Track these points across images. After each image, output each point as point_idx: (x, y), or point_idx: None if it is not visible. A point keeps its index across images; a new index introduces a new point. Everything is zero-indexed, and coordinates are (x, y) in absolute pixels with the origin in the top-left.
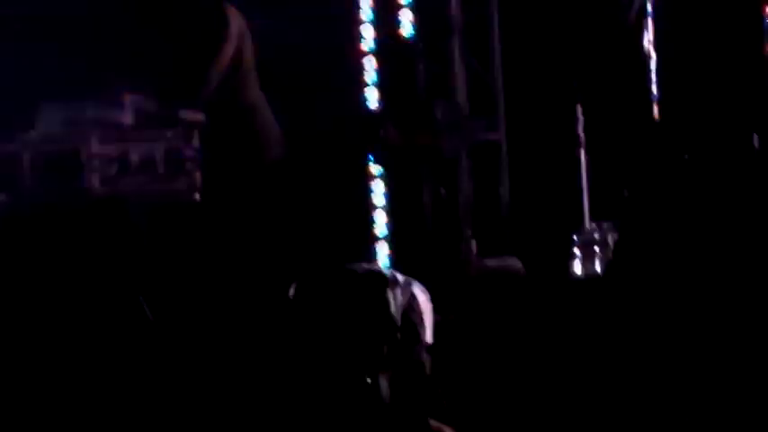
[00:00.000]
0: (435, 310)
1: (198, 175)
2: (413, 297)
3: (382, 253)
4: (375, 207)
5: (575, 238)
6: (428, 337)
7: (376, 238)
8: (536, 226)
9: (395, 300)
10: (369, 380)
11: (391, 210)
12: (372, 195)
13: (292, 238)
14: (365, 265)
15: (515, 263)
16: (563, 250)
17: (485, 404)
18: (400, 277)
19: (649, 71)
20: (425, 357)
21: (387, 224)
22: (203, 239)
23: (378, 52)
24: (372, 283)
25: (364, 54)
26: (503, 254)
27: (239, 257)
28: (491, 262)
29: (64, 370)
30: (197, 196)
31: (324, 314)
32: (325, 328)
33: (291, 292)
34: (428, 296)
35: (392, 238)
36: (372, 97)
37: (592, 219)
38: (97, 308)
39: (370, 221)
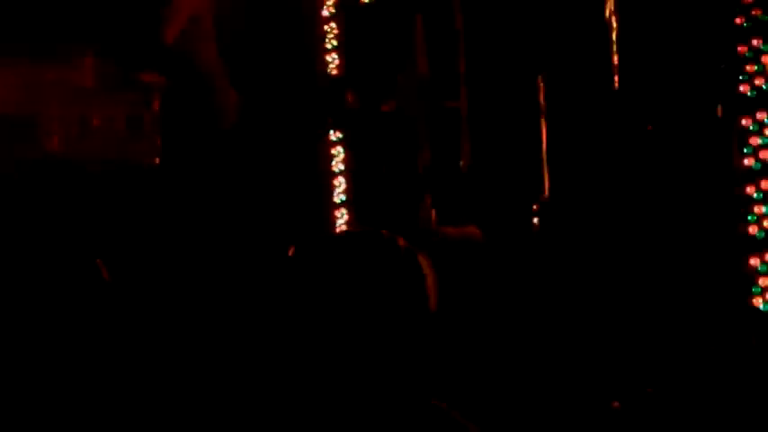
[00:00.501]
0: None
1: (158, 139)
2: (416, 264)
3: (341, 219)
4: (335, 173)
5: (534, 206)
6: (433, 304)
7: (336, 204)
8: (496, 194)
9: (394, 266)
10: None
11: (351, 176)
12: (332, 161)
13: (250, 203)
14: (371, 231)
15: (474, 230)
16: (523, 218)
17: (451, 374)
18: (402, 243)
19: (611, 41)
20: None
21: (346, 191)
22: (161, 202)
23: (339, 18)
24: (372, 247)
25: (326, 19)
26: (462, 222)
27: (195, 222)
28: (450, 230)
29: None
30: (157, 160)
31: (321, 277)
32: (322, 292)
33: (293, 260)
34: (430, 263)
35: (351, 205)
36: (334, 63)
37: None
38: (54, 272)
39: (331, 187)
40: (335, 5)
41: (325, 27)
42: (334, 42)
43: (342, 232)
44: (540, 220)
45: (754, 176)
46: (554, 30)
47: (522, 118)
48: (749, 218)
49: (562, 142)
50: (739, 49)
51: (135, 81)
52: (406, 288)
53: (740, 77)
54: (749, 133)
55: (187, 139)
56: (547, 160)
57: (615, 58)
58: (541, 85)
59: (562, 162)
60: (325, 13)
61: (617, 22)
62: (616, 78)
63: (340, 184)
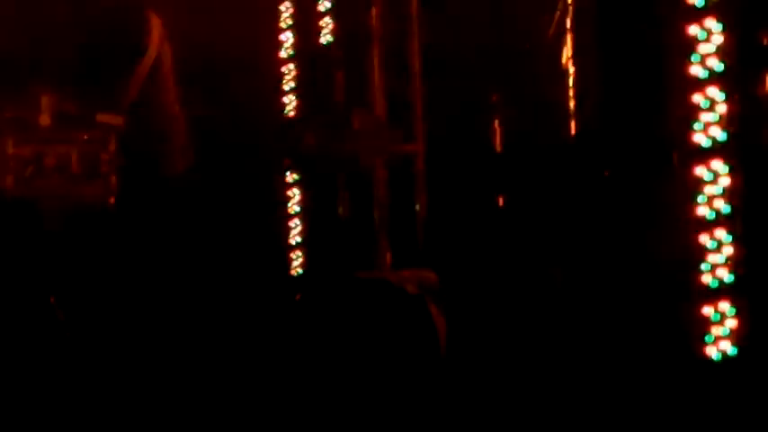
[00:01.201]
0: None
1: (114, 180)
2: (426, 311)
3: (297, 261)
4: (291, 215)
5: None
6: (442, 349)
7: (291, 246)
8: (452, 238)
9: (406, 313)
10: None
11: (307, 218)
12: (289, 203)
13: (207, 245)
14: (381, 278)
15: (430, 274)
16: (479, 263)
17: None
18: (411, 289)
19: (567, 86)
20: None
21: (302, 232)
22: (117, 244)
23: (297, 59)
24: (383, 295)
25: (284, 61)
26: (418, 265)
27: (152, 264)
28: (406, 273)
29: None
30: (112, 200)
31: (333, 325)
32: (333, 340)
33: (301, 305)
34: (440, 310)
35: (307, 247)
36: (291, 104)
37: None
38: (8, 309)
39: (286, 229)
40: (293, 47)
41: (283, 69)
42: (292, 84)
43: (347, 280)
44: (497, 262)
45: (707, 225)
46: (512, 74)
47: (478, 161)
48: (703, 267)
49: (519, 186)
50: (694, 97)
51: (92, 121)
52: (419, 337)
53: (695, 126)
54: (703, 182)
55: (143, 180)
56: (504, 202)
57: (572, 104)
58: (498, 128)
59: (519, 205)
60: (282, 54)
61: (574, 67)
62: (572, 124)
63: (296, 225)
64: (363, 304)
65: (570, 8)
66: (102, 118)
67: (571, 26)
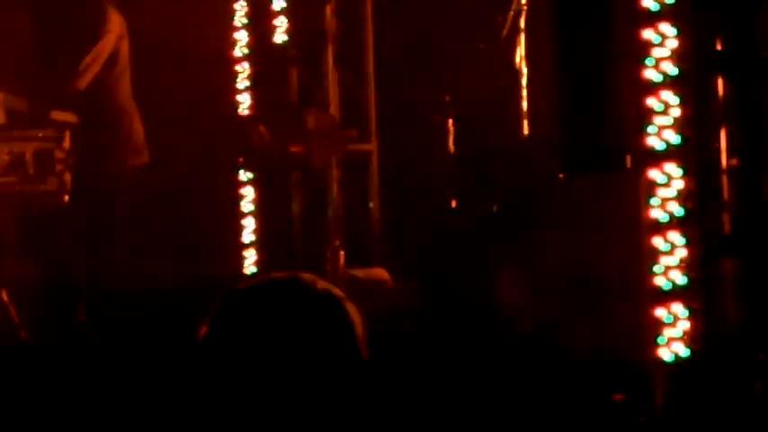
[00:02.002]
0: None
1: (68, 177)
2: (344, 312)
3: (250, 260)
4: (244, 213)
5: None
6: (363, 351)
7: (244, 245)
8: (405, 237)
9: (323, 315)
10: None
11: (260, 216)
12: (242, 201)
13: (160, 241)
14: (297, 279)
15: (382, 272)
16: (431, 261)
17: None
18: (336, 291)
19: (520, 86)
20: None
21: (255, 231)
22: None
23: (251, 58)
24: (300, 297)
25: (238, 59)
26: (371, 264)
27: (103, 259)
28: (358, 272)
29: None
30: (66, 198)
31: (250, 329)
32: (251, 344)
33: (218, 309)
34: (359, 311)
35: (260, 245)
36: (245, 103)
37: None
38: None
39: (240, 227)
40: (247, 45)
41: (237, 67)
42: (246, 82)
43: (259, 280)
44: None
45: (660, 228)
46: (465, 74)
47: (431, 160)
48: (656, 269)
49: (472, 185)
50: (648, 101)
51: (46, 119)
52: (332, 338)
53: (649, 129)
54: (657, 185)
55: (97, 176)
56: (457, 202)
57: (525, 104)
58: (452, 128)
59: (472, 204)
60: (237, 53)
61: (527, 68)
62: (525, 124)
63: (249, 224)
64: (270, 305)
65: (524, 9)
66: (56, 115)
67: (525, 27)
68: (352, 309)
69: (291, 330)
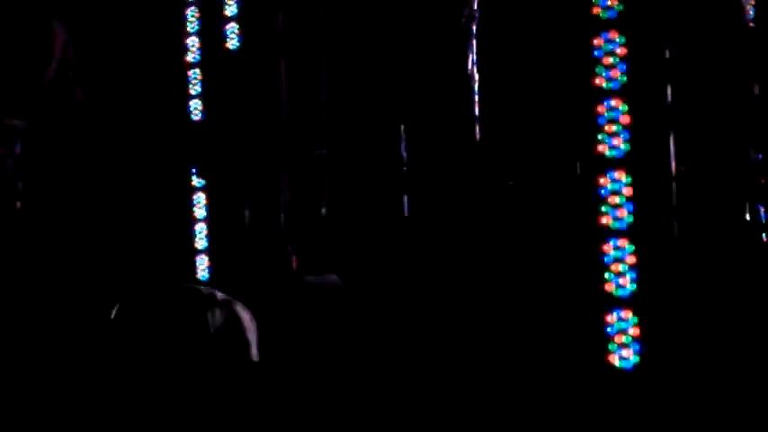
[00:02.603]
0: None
1: (20, 185)
2: (235, 316)
3: (202, 266)
4: (196, 219)
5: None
6: (254, 355)
7: (196, 251)
8: (356, 242)
9: (213, 320)
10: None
11: (212, 223)
12: (194, 207)
13: (112, 249)
14: (188, 286)
15: (334, 279)
16: (382, 267)
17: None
18: (220, 296)
19: (473, 92)
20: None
21: (207, 237)
22: (22, 246)
23: (203, 64)
24: (190, 303)
25: (190, 65)
26: (323, 270)
27: (56, 269)
28: (310, 278)
29: None
30: (18, 205)
31: (142, 334)
32: (143, 349)
33: (115, 310)
34: (251, 314)
35: (212, 252)
36: (197, 109)
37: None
38: None
39: (191, 234)
40: (199, 51)
41: (189, 73)
42: (198, 89)
43: (165, 289)
44: (400, 268)
45: (611, 234)
46: (417, 79)
47: (383, 167)
48: (606, 276)
49: (423, 192)
50: (599, 108)
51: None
52: (224, 340)
53: (599, 137)
54: (607, 192)
55: (50, 183)
56: (408, 210)
57: (477, 110)
58: (404, 134)
59: (422, 212)
60: (189, 58)
61: (479, 73)
62: (477, 129)
63: (201, 230)
64: (167, 313)
65: (476, 15)
66: (5, 121)
67: (476, 33)
68: (244, 314)
69: (186, 326)
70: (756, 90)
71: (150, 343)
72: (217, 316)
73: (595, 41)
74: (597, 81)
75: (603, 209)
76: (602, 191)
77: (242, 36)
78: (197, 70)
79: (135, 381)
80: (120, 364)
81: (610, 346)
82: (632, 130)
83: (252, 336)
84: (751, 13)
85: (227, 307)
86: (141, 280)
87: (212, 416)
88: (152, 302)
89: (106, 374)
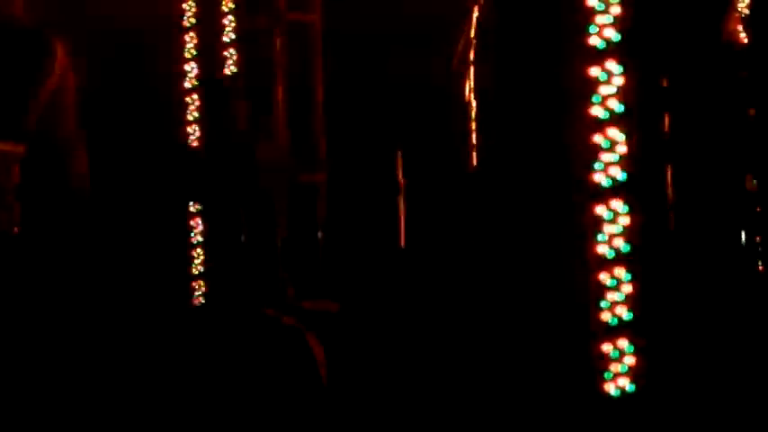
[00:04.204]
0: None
1: (18, 209)
2: (303, 341)
3: (199, 291)
4: (194, 245)
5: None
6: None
7: (194, 277)
8: (353, 270)
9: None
10: None
11: (209, 249)
12: (191, 233)
13: (110, 274)
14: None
15: (331, 306)
16: (380, 296)
17: None
18: (287, 321)
19: (470, 119)
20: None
21: (204, 262)
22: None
23: (200, 90)
24: (296, 335)
25: (187, 91)
26: (319, 296)
27: (55, 294)
28: (307, 304)
29: None
30: (16, 230)
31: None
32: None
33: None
34: (318, 340)
35: (209, 278)
36: (194, 135)
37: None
38: None
39: (189, 259)
40: (197, 77)
41: (186, 99)
42: (195, 114)
43: (230, 315)
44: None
45: (607, 263)
46: (414, 107)
47: (380, 193)
48: (602, 304)
49: (420, 218)
50: (595, 137)
51: None
52: (296, 368)
53: (595, 166)
54: (603, 221)
55: (48, 208)
56: (404, 236)
57: (474, 138)
58: (400, 161)
59: (420, 238)
60: (186, 84)
61: (477, 102)
62: (474, 156)
63: (198, 255)
64: (241, 338)
65: (473, 43)
66: (2, 147)
67: (474, 60)
68: (313, 341)
69: (257, 356)
70: (752, 115)
71: (218, 365)
72: (284, 342)
73: (591, 71)
74: (594, 110)
75: (599, 238)
76: (598, 219)
77: (239, 62)
78: (194, 95)
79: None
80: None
81: (605, 375)
82: (629, 159)
83: (320, 360)
84: (744, 39)
85: (295, 333)
86: (139, 304)
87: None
88: (228, 327)
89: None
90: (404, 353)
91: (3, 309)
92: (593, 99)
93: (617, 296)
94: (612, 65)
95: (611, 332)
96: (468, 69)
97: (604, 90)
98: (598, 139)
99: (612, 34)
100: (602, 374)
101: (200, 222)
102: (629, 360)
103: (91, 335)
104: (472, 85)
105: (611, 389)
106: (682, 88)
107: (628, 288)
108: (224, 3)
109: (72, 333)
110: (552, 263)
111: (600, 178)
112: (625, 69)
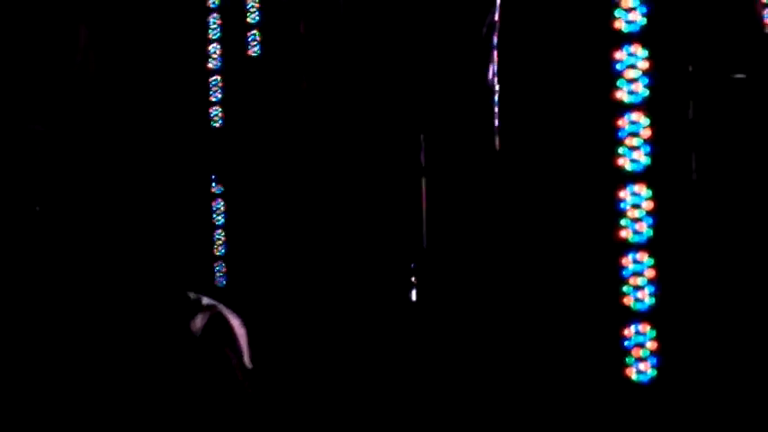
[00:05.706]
0: (266, 330)
1: (40, 188)
2: (223, 322)
3: (220, 273)
4: (215, 226)
5: (413, 265)
6: (246, 360)
7: (215, 258)
8: (376, 250)
9: (194, 324)
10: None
11: (230, 230)
12: (214, 214)
13: (132, 254)
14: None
15: None
16: (403, 277)
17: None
18: (206, 301)
19: (493, 103)
20: (245, 381)
21: (225, 244)
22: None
23: (225, 71)
24: (174, 308)
25: (211, 72)
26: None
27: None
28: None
29: None
30: (37, 209)
31: (128, 338)
32: (129, 352)
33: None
34: (241, 320)
35: (229, 258)
36: (217, 116)
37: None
38: None
39: (211, 240)
40: (221, 57)
41: (210, 80)
42: (219, 95)
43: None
44: (417, 279)
45: (630, 248)
46: (437, 90)
47: (403, 176)
48: (625, 289)
49: (443, 201)
50: (619, 122)
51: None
52: (207, 344)
53: (619, 151)
54: (627, 206)
55: (70, 188)
56: (426, 218)
57: (497, 121)
58: (423, 143)
59: (442, 221)
60: (210, 65)
61: (499, 84)
62: (497, 140)
63: (220, 236)
64: (152, 317)
65: (497, 25)
66: (28, 127)
67: (497, 44)
68: (235, 321)
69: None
70: None
71: (135, 345)
72: (198, 321)
73: (616, 55)
74: (618, 94)
75: (623, 222)
76: (622, 204)
77: (263, 43)
78: (218, 77)
79: (121, 383)
80: (109, 367)
81: (627, 360)
82: (653, 145)
83: (243, 341)
84: None
85: (210, 312)
86: (159, 286)
87: (198, 419)
88: (140, 307)
89: (94, 377)
90: (430, 336)
91: (23, 283)
92: (618, 83)
93: (640, 281)
94: (638, 49)
95: (634, 317)
96: (492, 52)
97: (629, 74)
98: (622, 123)
99: (638, 18)
100: (625, 360)
101: (221, 204)
102: (652, 345)
103: (108, 315)
104: (495, 69)
105: (633, 374)
106: (707, 74)
107: (651, 273)
108: None
109: (90, 312)
110: (576, 247)
111: (624, 163)
112: (650, 54)
